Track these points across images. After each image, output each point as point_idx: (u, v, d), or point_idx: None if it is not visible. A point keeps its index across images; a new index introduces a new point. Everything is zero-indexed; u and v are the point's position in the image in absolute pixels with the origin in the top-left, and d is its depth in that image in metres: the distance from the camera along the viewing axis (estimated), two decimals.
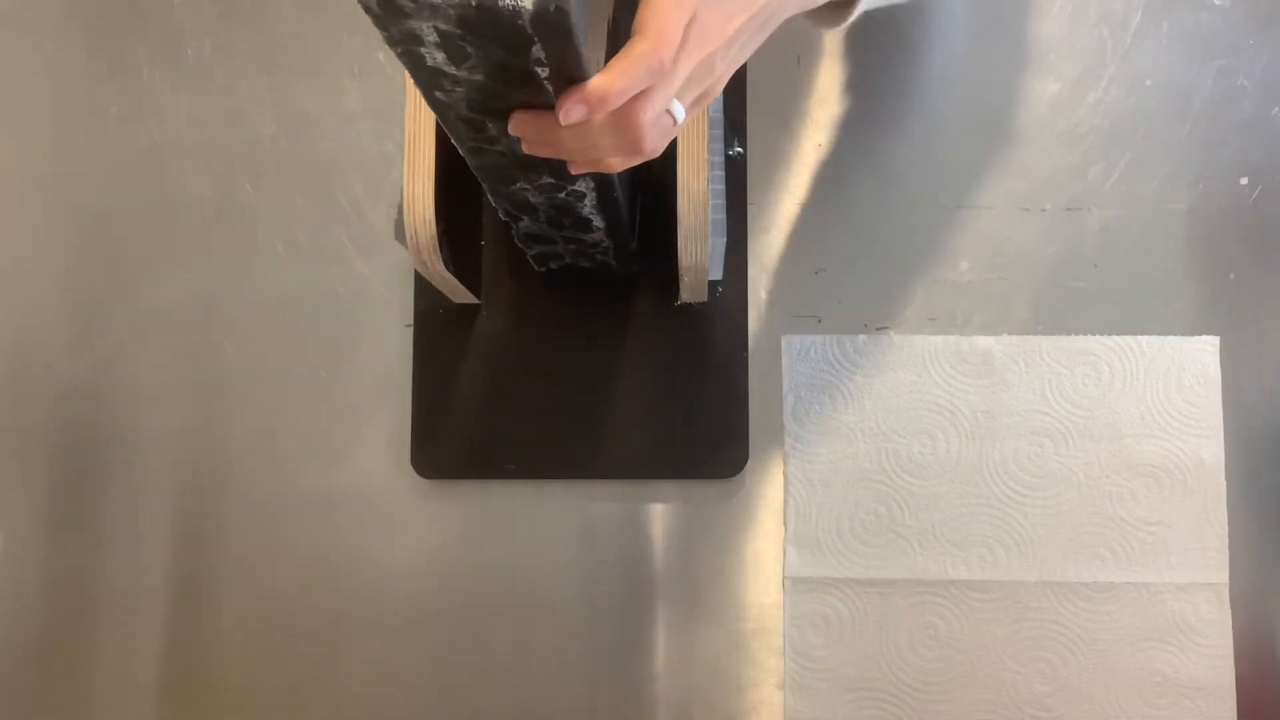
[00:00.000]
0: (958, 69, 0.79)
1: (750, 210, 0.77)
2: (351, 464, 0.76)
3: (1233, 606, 0.73)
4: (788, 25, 0.53)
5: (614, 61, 0.44)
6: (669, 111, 0.48)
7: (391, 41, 0.43)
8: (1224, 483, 0.73)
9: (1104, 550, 0.73)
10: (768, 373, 0.76)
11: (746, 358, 0.75)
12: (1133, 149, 0.77)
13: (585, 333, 0.76)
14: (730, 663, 0.74)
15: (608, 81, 0.44)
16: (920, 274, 0.76)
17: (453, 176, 0.63)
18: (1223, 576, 0.73)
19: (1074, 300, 0.76)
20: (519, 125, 0.48)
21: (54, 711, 0.75)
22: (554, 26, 0.41)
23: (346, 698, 0.74)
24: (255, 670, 0.75)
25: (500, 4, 0.40)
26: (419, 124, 0.61)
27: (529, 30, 0.41)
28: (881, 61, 0.78)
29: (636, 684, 0.74)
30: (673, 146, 0.61)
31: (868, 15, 0.60)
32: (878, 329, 0.76)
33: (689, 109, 0.50)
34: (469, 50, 0.43)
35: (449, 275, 0.66)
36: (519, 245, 0.70)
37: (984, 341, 0.75)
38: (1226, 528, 0.73)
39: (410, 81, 0.55)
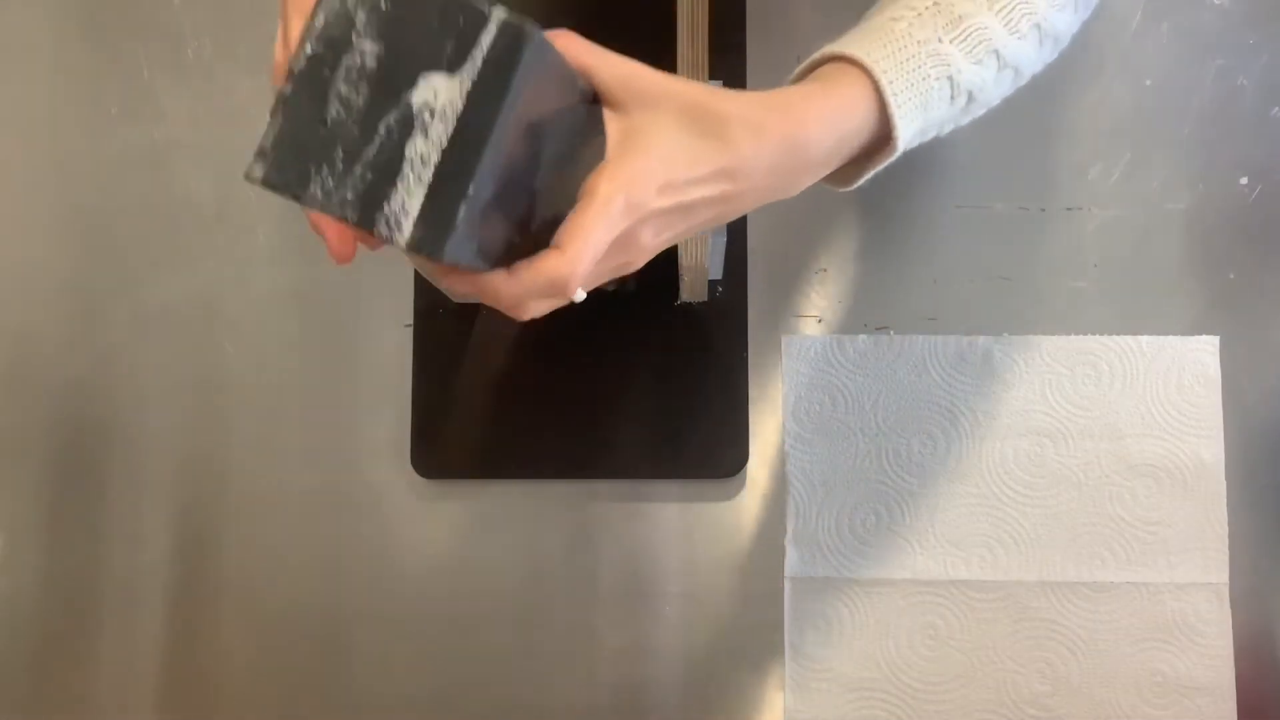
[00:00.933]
0: None
1: (750, 210, 0.77)
2: (351, 464, 0.76)
3: (1233, 606, 0.73)
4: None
5: (521, 267, 0.42)
6: None
7: None
8: (1224, 482, 0.73)
9: (1104, 550, 0.73)
10: (768, 373, 0.76)
11: (746, 358, 0.75)
12: (1133, 149, 0.77)
13: (585, 332, 0.76)
14: (730, 663, 0.74)
15: (503, 287, 0.42)
16: (920, 274, 0.76)
17: None
18: (1223, 576, 0.73)
19: (1074, 300, 0.76)
20: None
21: (54, 711, 0.75)
22: (427, 257, 0.38)
23: (346, 698, 0.74)
24: (255, 670, 0.75)
25: (375, 228, 0.37)
26: None
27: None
28: None
29: (637, 684, 0.74)
30: None
31: None
32: (878, 329, 0.76)
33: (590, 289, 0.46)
34: None
35: None
36: None
37: (984, 341, 0.75)
38: (1226, 528, 0.73)
39: None
